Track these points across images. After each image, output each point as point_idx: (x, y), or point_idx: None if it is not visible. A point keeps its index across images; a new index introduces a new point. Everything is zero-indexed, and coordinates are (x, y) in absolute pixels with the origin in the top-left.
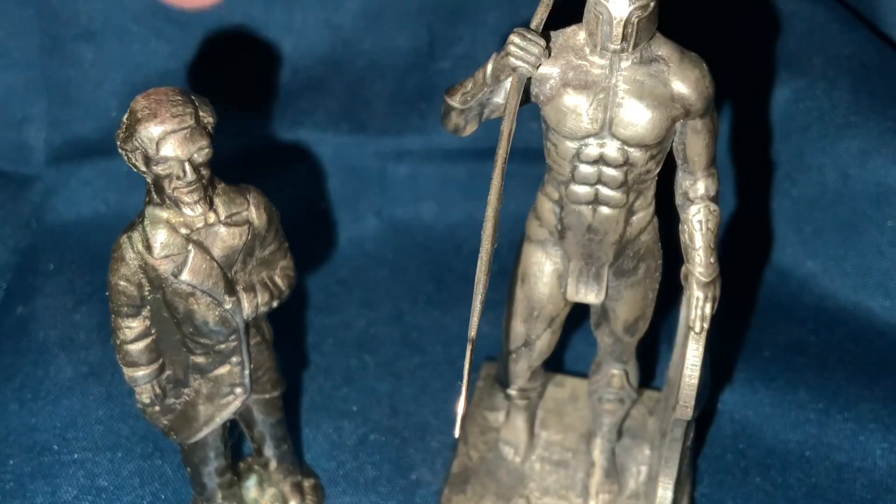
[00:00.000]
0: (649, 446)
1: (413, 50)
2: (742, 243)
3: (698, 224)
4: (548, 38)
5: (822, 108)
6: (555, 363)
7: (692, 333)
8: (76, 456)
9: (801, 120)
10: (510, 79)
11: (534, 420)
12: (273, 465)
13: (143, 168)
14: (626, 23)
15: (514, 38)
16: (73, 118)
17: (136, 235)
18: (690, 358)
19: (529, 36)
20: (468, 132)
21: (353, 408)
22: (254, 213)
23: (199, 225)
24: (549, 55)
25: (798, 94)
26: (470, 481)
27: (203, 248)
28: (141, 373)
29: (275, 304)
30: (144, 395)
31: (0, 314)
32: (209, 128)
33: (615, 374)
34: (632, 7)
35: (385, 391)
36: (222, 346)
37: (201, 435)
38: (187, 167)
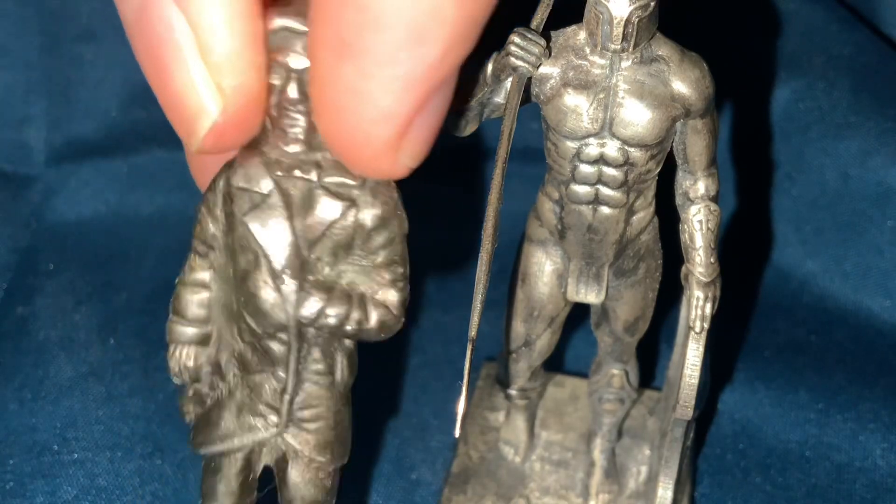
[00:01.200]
0: (649, 446)
1: None
2: (742, 243)
3: (698, 224)
4: (548, 38)
5: (822, 108)
6: (555, 363)
7: (692, 333)
8: (76, 456)
9: (801, 120)
10: (510, 78)
11: (534, 420)
12: None
13: None
14: (627, 22)
15: (514, 37)
16: (73, 118)
17: (233, 164)
18: (690, 358)
19: (530, 36)
20: (468, 132)
21: (353, 408)
22: (368, 197)
23: (296, 172)
24: (550, 55)
25: (798, 94)
26: (470, 481)
27: (288, 200)
28: (184, 327)
29: (350, 328)
30: (178, 358)
31: (0, 314)
32: None
33: (615, 374)
34: (632, 7)
35: (385, 391)
36: (271, 344)
37: (216, 449)
38: (293, 82)
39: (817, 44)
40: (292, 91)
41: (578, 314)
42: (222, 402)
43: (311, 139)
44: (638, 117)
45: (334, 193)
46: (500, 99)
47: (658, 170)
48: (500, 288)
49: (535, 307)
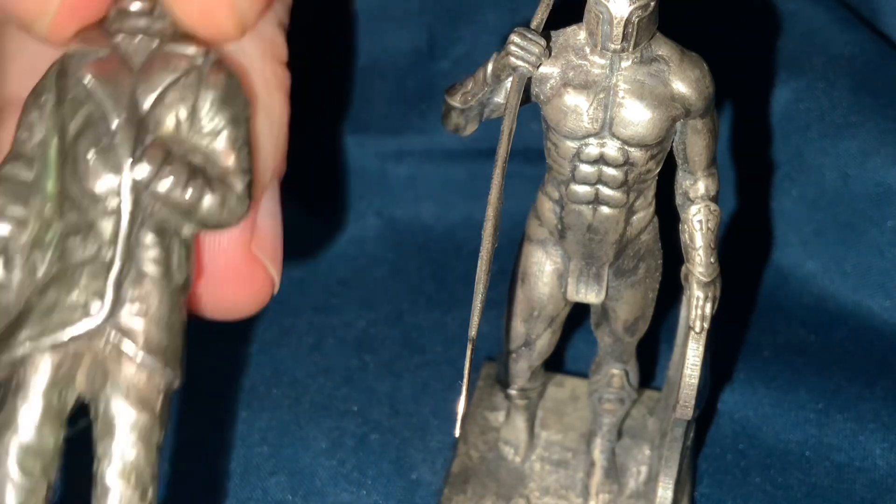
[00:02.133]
0: (649, 446)
1: (413, 50)
2: (742, 243)
3: (698, 224)
4: (548, 38)
5: (822, 108)
6: (555, 363)
7: (692, 333)
8: None
9: (801, 120)
10: (510, 78)
11: (534, 420)
12: None
13: None
14: (627, 22)
15: (514, 37)
16: None
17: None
18: (690, 358)
19: (530, 36)
20: (468, 132)
21: (353, 408)
22: (210, 69)
23: (137, 37)
24: (550, 55)
25: (798, 94)
26: (470, 481)
27: (127, 59)
28: None
29: (188, 197)
30: None
31: None
32: None
33: (615, 374)
34: (632, 7)
35: (385, 391)
36: (98, 218)
37: (19, 352)
38: None
39: (817, 44)
40: None
41: (578, 314)
42: (27, 307)
43: (154, 8)
44: (638, 117)
45: (176, 56)
46: (500, 99)
47: (658, 170)
48: (500, 288)
49: (535, 307)
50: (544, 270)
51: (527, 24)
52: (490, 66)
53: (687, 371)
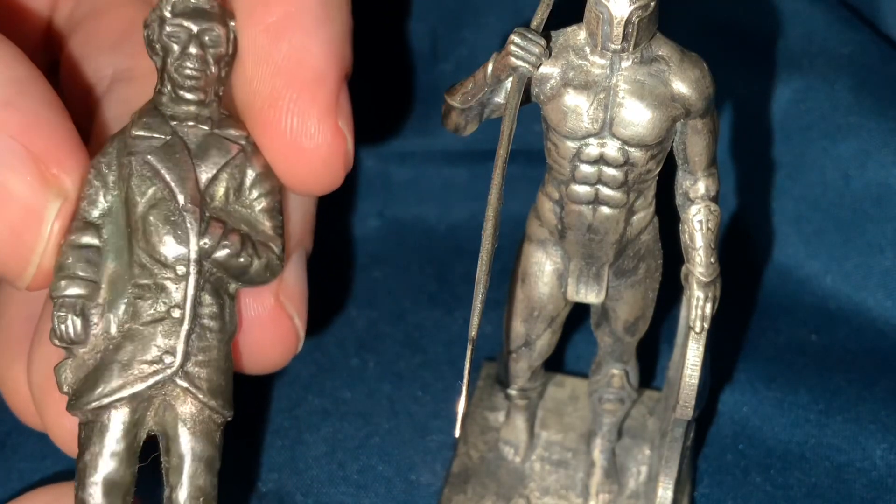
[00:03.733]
0: (649, 446)
1: (416, 52)
2: (742, 243)
3: (699, 224)
4: (548, 38)
5: (823, 108)
6: (555, 363)
7: (692, 333)
8: None
9: (801, 120)
10: (510, 78)
11: (534, 420)
12: None
13: (156, 37)
14: (627, 22)
15: (514, 37)
16: None
17: (124, 129)
18: (690, 358)
19: (530, 36)
20: (469, 131)
21: (353, 408)
22: (254, 148)
23: (190, 123)
24: (550, 55)
25: (798, 95)
26: (470, 481)
27: (186, 144)
28: (73, 287)
29: (242, 260)
30: (65, 319)
31: None
32: (232, 33)
33: (615, 374)
34: (632, 7)
35: (386, 391)
36: (168, 282)
37: (105, 401)
38: (194, 46)
39: (818, 44)
40: (194, 48)
41: (578, 314)
42: (106, 360)
43: (206, 97)
44: (638, 117)
45: (226, 139)
46: (500, 99)
47: (658, 170)
48: (500, 288)
49: (535, 307)
50: (544, 270)
51: (528, 25)
52: (490, 67)
53: (687, 371)
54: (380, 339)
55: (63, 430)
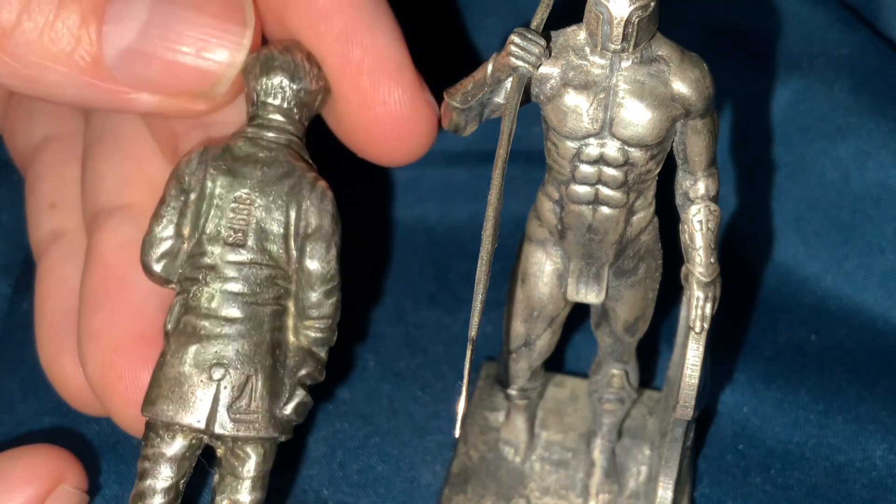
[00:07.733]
0: (649, 446)
1: (415, 52)
2: (742, 243)
3: (698, 224)
4: (548, 38)
5: (823, 108)
6: (555, 363)
7: (692, 333)
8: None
9: (801, 120)
10: (510, 78)
11: (534, 420)
12: None
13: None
14: (627, 23)
15: (514, 37)
16: None
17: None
18: (690, 358)
19: (530, 36)
20: (468, 131)
21: (353, 408)
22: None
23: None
24: (550, 55)
25: (798, 95)
26: (470, 481)
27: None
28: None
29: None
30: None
31: (7, 310)
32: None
33: (615, 374)
34: (632, 7)
35: (386, 391)
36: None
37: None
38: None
39: (818, 44)
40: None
41: (578, 314)
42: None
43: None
44: (638, 117)
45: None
46: (500, 99)
47: (658, 170)
48: (500, 288)
49: (535, 307)
50: (544, 270)
51: (527, 25)
52: (490, 67)
53: (687, 371)
54: (380, 339)
55: (129, 417)
